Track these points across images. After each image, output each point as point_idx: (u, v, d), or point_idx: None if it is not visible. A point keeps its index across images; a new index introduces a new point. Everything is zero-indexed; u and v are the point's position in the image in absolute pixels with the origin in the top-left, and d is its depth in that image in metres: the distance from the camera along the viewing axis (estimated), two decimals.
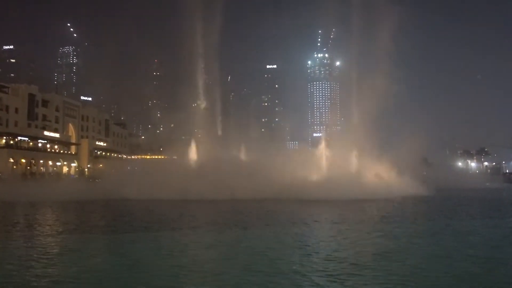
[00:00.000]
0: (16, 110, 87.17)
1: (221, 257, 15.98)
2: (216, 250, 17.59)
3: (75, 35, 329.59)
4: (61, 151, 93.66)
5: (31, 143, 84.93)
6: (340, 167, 56.23)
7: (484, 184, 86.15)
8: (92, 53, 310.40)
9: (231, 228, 23.63)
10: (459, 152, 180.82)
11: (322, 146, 62.22)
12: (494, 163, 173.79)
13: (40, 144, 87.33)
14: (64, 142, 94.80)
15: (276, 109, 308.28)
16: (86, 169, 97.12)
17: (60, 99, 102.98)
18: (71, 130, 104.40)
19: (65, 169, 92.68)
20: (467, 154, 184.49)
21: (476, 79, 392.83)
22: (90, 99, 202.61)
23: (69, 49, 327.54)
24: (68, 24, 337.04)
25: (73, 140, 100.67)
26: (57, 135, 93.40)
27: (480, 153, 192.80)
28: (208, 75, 79.61)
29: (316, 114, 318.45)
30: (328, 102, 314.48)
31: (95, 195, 45.69)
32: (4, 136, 78.83)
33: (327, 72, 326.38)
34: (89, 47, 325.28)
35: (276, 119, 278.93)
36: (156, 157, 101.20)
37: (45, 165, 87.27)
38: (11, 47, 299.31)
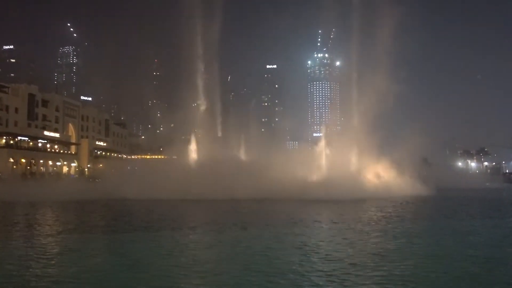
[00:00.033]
0: (16, 110, 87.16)
1: (221, 257, 15.99)
2: (216, 250, 17.60)
3: (75, 35, 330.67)
4: (61, 151, 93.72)
5: (31, 143, 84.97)
6: (340, 167, 56.23)
7: (484, 184, 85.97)
8: (92, 53, 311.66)
9: (231, 228, 23.62)
10: (459, 152, 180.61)
11: (322, 143, 62.05)
12: (494, 163, 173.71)
13: (40, 144, 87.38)
14: (64, 142, 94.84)
15: (276, 109, 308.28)
16: (86, 169, 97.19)
17: (60, 99, 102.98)
18: (71, 130, 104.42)
19: (65, 169, 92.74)
20: (467, 154, 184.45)
21: (476, 79, 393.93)
22: (90, 99, 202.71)
23: (69, 49, 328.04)
24: (68, 24, 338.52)
25: (73, 140, 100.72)
26: (57, 135, 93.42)
27: (480, 153, 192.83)
28: (208, 75, 79.69)
29: (316, 114, 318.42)
30: (328, 102, 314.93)
31: (95, 195, 45.70)
32: (4, 136, 78.86)
33: (327, 72, 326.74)
34: (89, 47, 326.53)
35: (276, 119, 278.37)
36: (156, 157, 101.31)
37: (45, 165, 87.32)
38: (11, 47, 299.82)
